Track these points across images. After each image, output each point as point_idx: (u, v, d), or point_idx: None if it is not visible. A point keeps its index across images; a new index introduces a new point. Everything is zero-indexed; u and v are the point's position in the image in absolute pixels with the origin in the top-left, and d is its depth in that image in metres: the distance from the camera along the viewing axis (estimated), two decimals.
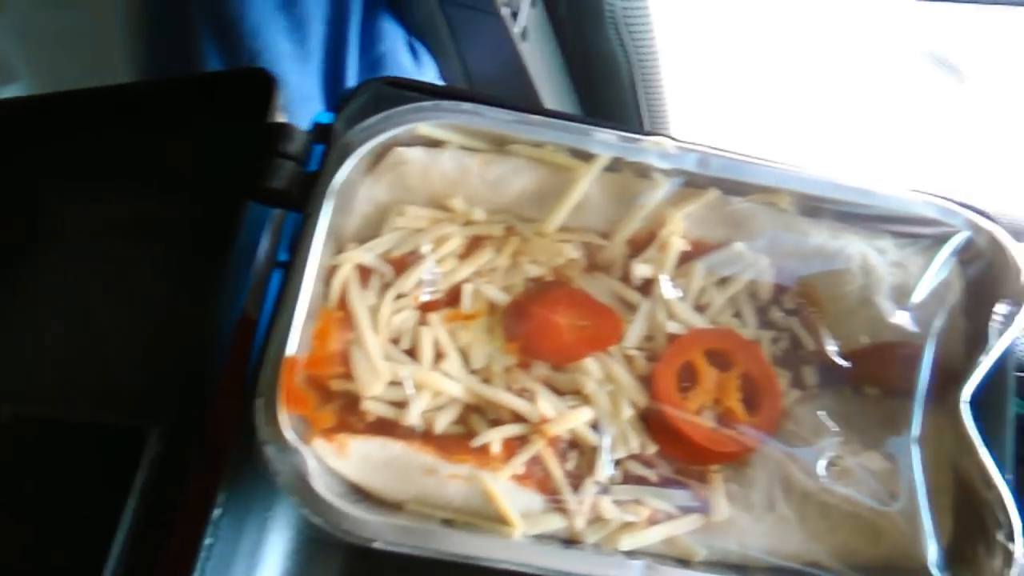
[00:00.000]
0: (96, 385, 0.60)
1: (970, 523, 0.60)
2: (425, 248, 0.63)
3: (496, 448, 0.59)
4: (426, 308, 0.63)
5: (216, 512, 0.56)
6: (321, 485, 0.55)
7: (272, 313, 0.57)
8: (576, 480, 0.60)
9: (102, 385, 0.60)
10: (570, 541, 0.58)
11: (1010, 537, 0.57)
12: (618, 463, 0.61)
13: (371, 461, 0.58)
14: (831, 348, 0.64)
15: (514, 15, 0.90)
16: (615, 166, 0.64)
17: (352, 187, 0.62)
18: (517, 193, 0.64)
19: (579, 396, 0.62)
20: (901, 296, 0.64)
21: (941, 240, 0.64)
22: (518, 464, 0.59)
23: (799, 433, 0.62)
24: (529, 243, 0.64)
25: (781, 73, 1.16)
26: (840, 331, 0.65)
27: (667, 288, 0.63)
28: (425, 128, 0.63)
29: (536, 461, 0.60)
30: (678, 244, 0.64)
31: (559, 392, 0.62)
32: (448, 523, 0.58)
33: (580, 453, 0.61)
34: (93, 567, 0.52)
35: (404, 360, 0.61)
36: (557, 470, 0.59)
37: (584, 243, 0.65)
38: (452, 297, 0.63)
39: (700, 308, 0.64)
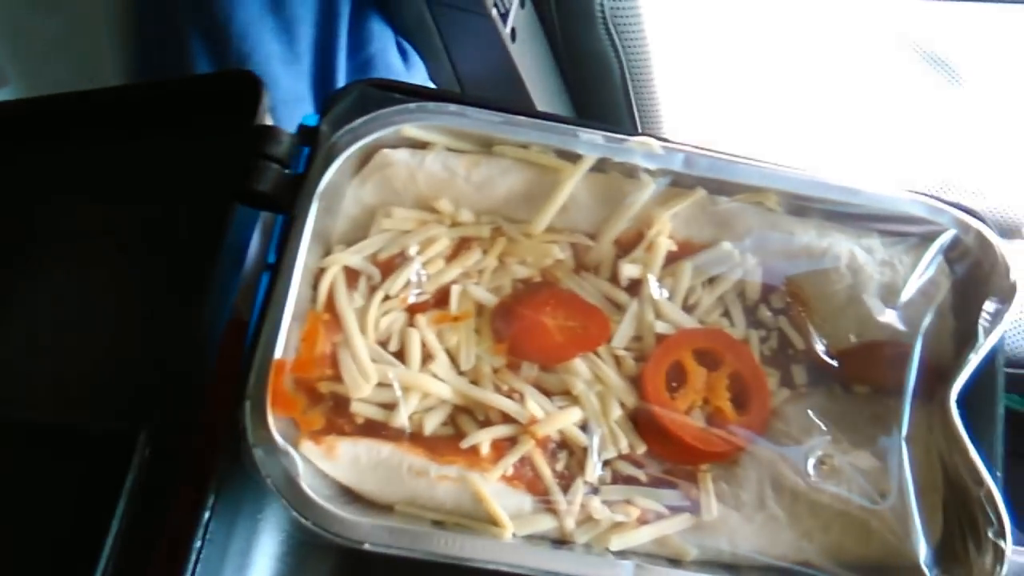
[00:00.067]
0: (85, 388, 0.60)
1: (960, 521, 0.60)
2: (412, 250, 0.63)
3: (485, 449, 0.59)
4: (414, 310, 0.63)
5: (206, 515, 0.56)
6: (310, 487, 0.55)
7: (258, 316, 0.57)
8: (566, 481, 0.60)
9: (91, 388, 0.60)
10: (560, 541, 0.58)
11: (1000, 534, 0.57)
12: (607, 463, 0.61)
13: (360, 463, 0.58)
14: (820, 347, 0.64)
15: (503, 16, 0.90)
16: (602, 166, 0.64)
17: (338, 189, 0.62)
18: (504, 194, 0.64)
19: (568, 397, 0.62)
20: (889, 295, 0.64)
21: (929, 238, 0.64)
22: (508, 465, 0.59)
23: (788, 432, 0.62)
24: (516, 244, 0.64)
25: (774, 72, 1.16)
26: (829, 330, 0.65)
27: (655, 288, 0.63)
28: (410, 130, 0.63)
29: (526, 462, 0.60)
30: (665, 244, 0.64)
31: (548, 393, 0.62)
32: (438, 524, 0.58)
33: (569, 454, 0.61)
34: (83, 570, 0.52)
35: (392, 362, 0.61)
36: (547, 471, 0.60)
37: (571, 244, 0.65)
38: (440, 299, 0.63)
39: (688, 308, 0.64)
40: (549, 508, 0.59)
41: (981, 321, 0.62)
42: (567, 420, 0.60)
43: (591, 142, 0.63)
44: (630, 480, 0.60)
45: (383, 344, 0.61)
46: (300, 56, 0.90)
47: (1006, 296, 0.62)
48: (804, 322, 0.65)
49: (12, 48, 0.96)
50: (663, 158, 0.63)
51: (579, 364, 0.62)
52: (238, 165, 0.61)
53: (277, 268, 0.58)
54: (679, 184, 0.64)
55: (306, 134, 0.63)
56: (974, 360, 0.61)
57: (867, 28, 1.13)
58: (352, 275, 0.62)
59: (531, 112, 0.64)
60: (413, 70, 0.98)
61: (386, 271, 0.62)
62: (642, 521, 0.59)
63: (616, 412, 0.61)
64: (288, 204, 0.60)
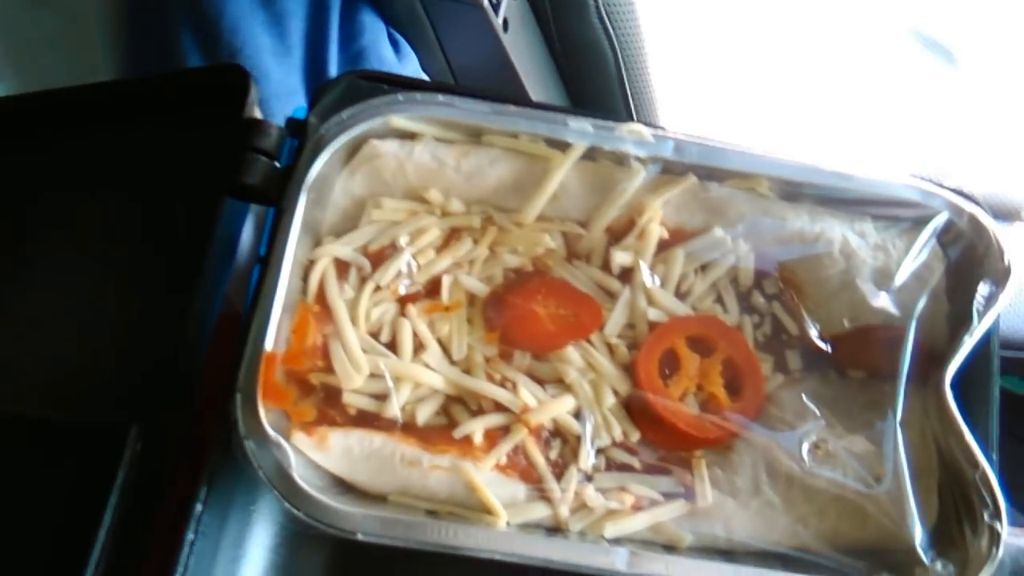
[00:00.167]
0: (76, 382, 0.60)
1: (956, 503, 0.60)
2: (403, 240, 0.63)
3: (478, 438, 0.59)
4: (405, 301, 0.63)
5: (198, 507, 0.56)
6: (303, 479, 0.55)
7: (249, 308, 0.57)
8: (559, 469, 0.60)
9: (82, 382, 0.60)
10: (554, 529, 0.59)
11: (996, 516, 0.57)
12: (601, 451, 0.61)
13: (353, 454, 0.58)
14: (814, 332, 0.64)
15: (495, 6, 0.89)
16: (592, 155, 0.64)
17: (327, 181, 0.62)
18: (494, 184, 0.64)
19: (561, 385, 0.62)
20: (883, 279, 0.64)
21: (922, 222, 0.64)
22: (501, 454, 0.59)
23: (783, 417, 0.62)
24: (507, 233, 0.64)
25: (769, 58, 1.15)
26: (822, 315, 0.65)
27: (647, 275, 0.63)
28: (399, 120, 0.63)
29: (519, 451, 0.60)
30: (657, 231, 0.64)
31: (541, 381, 0.62)
32: (432, 514, 0.58)
33: (563, 442, 0.61)
34: (75, 564, 0.52)
35: (384, 353, 0.61)
36: (540, 459, 0.60)
37: (563, 232, 0.65)
38: (431, 289, 0.63)
39: (681, 295, 0.64)
40: (543, 496, 0.59)
41: (975, 304, 0.62)
42: (560, 408, 0.60)
43: (581, 130, 0.63)
44: (624, 467, 0.60)
45: (374, 335, 0.61)
46: (291, 49, 0.90)
47: (1000, 278, 0.62)
48: (798, 307, 0.65)
49: (4, 44, 0.96)
50: (653, 145, 0.63)
51: (572, 352, 0.62)
52: (228, 159, 0.60)
53: (267, 260, 0.58)
54: (670, 171, 0.64)
55: (294, 126, 0.63)
56: (968, 343, 0.61)
57: (863, 12, 1.12)
58: (342, 266, 0.62)
59: (520, 101, 0.64)
60: (405, 62, 0.97)
61: (376, 262, 0.62)
62: (636, 508, 0.59)
63: (609, 400, 0.61)
64: (277, 196, 0.60)
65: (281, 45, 0.89)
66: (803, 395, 0.62)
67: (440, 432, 0.60)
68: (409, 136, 0.64)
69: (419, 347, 0.61)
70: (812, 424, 0.61)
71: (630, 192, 0.63)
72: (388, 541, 0.55)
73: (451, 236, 0.64)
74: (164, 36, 0.88)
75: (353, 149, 0.63)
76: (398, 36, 0.97)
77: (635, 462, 0.60)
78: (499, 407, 0.60)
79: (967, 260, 0.64)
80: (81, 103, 0.69)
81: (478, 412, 0.61)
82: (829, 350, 0.64)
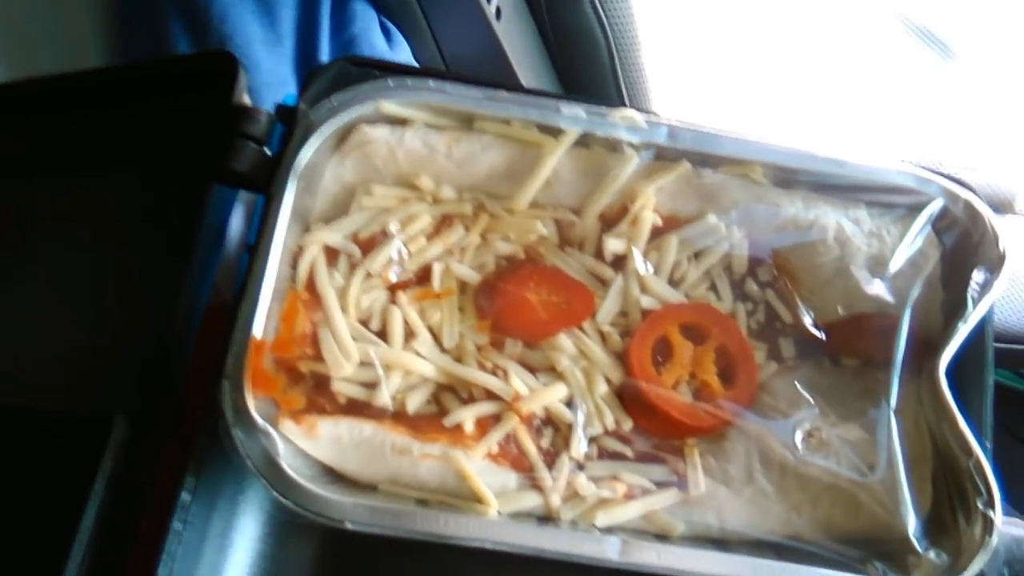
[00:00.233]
0: (61, 370, 0.59)
1: (949, 492, 0.59)
2: (393, 227, 0.62)
3: (469, 427, 0.59)
4: (395, 288, 0.62)
5: (185, 496, 0.56)
6: (291, 467, 0.55)
7: (237, 296, 0.57)
8: (551, 457, 0.59)
9: (67, 370, 0.59)
10: (546, 518, 0.58)
11: (990, 504, 0.57)
12: (593, 439, 0.60)
13: (342, 442, 0.58)
14: (807, 320, 0.64)
15: None
16: (585, 141, 0.63)
17: (317, 167, 0.62)
18: (486, 170, 0.64)
19: (553, 373, 0.61)
20: (877, 266, 0.63)
21: (916, 209, 0.64)
22: (492, 442, 0.59)
23: (776, 406, 0.62)
24: (499, 220, 0.64)
25: (763, 47, 1.15)
26: (816, 302, 0.64)
27: (640, 263, 0.63)
28: (389, 106, 0.62)
29: (510, 439, 0.59)
30: (650, 218, 0.63)
31: (532, 369, 0.61)
32: (422, 503, 0.57)
33: (555, 430, 0.60)
34: (61, 554, 0.51)
35: (374, 341, 0.60)
36: (532, 447, 0.59)
37: (555, 219, 0.64)
38: (422, 276, 0.63)
39: (674, 282, 0.64)
40: (534, 485, 0.58)
41: (970, 291, 0.61)
42: (552, 396, 0.60)
43: (573, 116, 0.62)
44: (616, 456, 0.60)
45: (364, 323, 0.61)
46: (282, 38, 0.89)
47: (995, 266, 0.62)
48: (791, 295, 0.64)
49: None
50: (646, 131, 0.63)
51: (564, 340, 0.61)
52: (217, 145, 0.60)
53: (256, 247, 0.58)
54: (663, 157, 0.64)
55: (284, 113, 0.63)
56: (963, 330, 0.60)
57: (858, 2, 1.12)
58: (332, 254, 0.62)
59: (512, 87, 0.63)
60: (397, 50, 0.97)
61: (367, 249, 0.62)
62: (628, 497, 0.58)
63: (602, 388, 0.60)
64: (266, 183, 0.60)
65: (272, 34, 0.88)
66: (796, 383, 0.62)
67: (431, 420, 0.59)
68: (400, 122, 0.63)
69: (410, 335, 0.61)
70: (806, 412, 0.61)
71: (623, 179, 0.63)
72: (377, 530, 0.54)
73: (442, 223, 0.63)
74: (154, 24, 0.88)
75: (343, 135, 0.63)
76: (390, 25, 0.97)
77: (627, 450, 0.60)
78: (490, 395, 0.60)
79: (962, 247, 0.64)
80: (70, 90, 0.68)
81: (469, 400, 0.60)
82: (823, 338, 0.63)
